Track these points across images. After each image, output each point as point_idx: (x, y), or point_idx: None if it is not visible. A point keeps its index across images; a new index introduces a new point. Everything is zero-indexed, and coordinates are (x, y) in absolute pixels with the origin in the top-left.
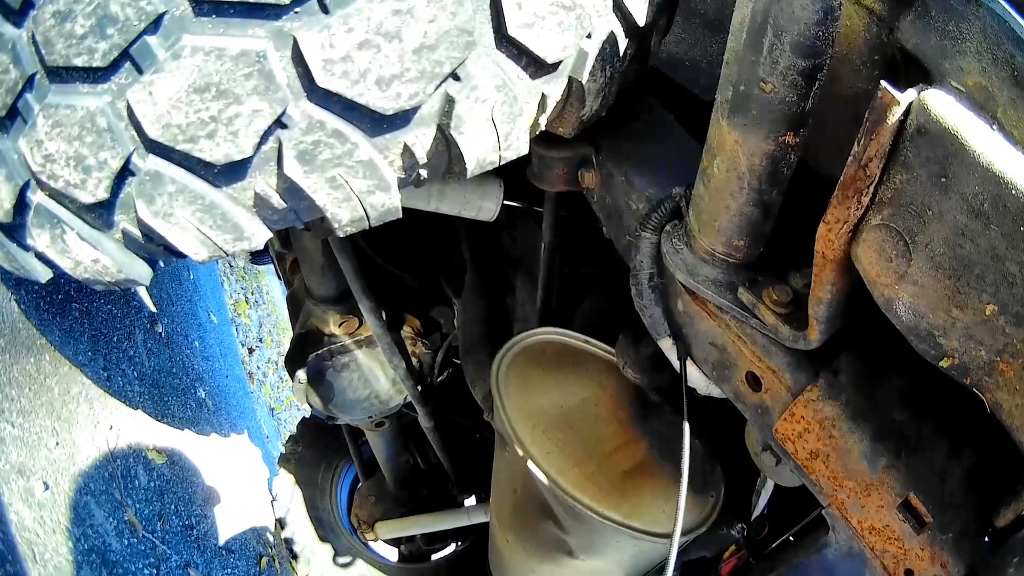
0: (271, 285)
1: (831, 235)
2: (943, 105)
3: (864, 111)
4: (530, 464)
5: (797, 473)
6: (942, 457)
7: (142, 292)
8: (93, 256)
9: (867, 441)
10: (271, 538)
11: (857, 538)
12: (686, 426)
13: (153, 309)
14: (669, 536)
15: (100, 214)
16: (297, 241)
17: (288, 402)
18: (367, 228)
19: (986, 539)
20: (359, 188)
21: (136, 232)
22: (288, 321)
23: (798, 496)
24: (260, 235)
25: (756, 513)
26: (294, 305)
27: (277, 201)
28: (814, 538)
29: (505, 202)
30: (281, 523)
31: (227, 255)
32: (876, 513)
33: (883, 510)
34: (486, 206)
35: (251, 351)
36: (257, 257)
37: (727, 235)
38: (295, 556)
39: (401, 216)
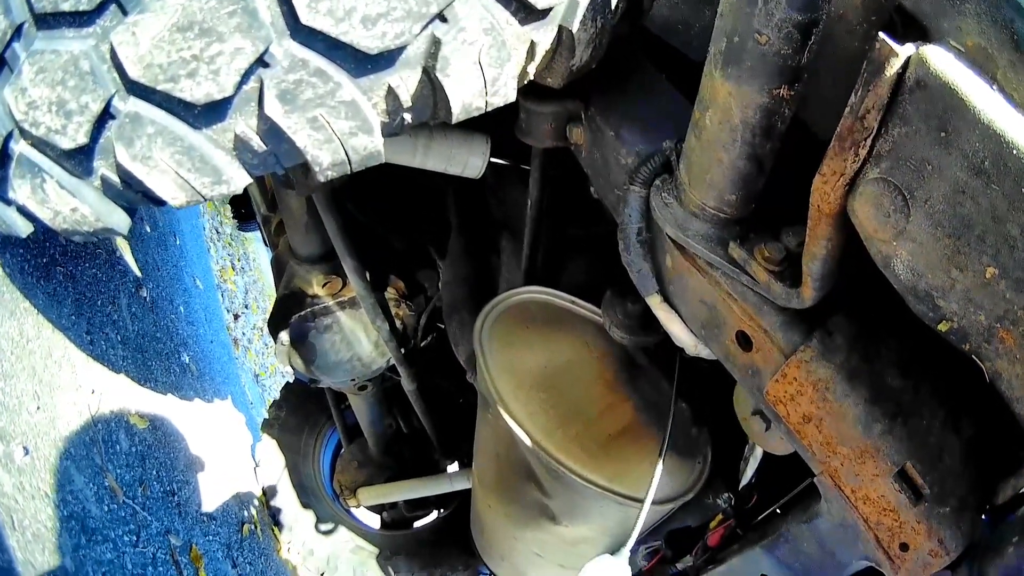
0: (258, 252)
1: (827, 188)
2: (943, 60)
3: (857, 69)
4: (512, 424)
5: (788, 439)
6: (939, 427)
7: (127, 256)
8: (72, 205)
9: (862, 405)
10: (253, 505)
11: (850, 508)
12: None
13: (138, 273)
14: (656, 502)
15: (80, 160)
16: (282, 201)
17: (273, 368)
18: (348, 173)
19: (983, 516)
20: (341, 129)
21: (114, 178)
22: (273, 288)
23: (788, 464)
24: (239, 179)
25: (744, 482)
26: (278, 267)
27: (257, 143)
28: (805, 508)
29: (492, 159)
30: (264, 490)
31: (204, 199)
32: (871, 482)
33: (878, 479)
34: (472, 162)
35: (236, 317)
36: (244, 224)
37: (719, 189)
38: (277, 523)
39: (384, 160)
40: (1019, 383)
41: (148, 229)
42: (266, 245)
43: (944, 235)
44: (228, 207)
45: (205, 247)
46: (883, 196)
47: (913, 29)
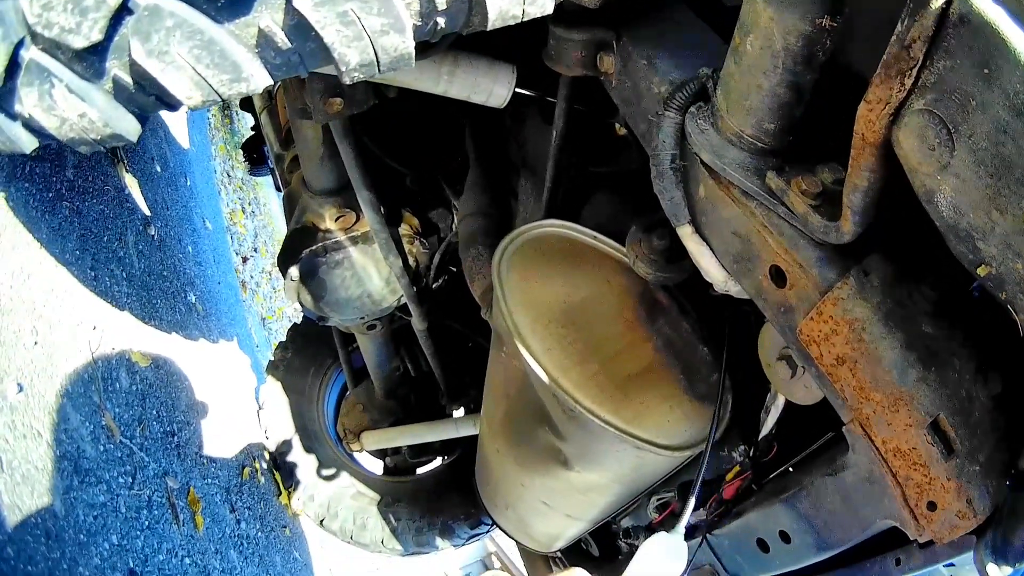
0: (268, 197)
1: (872, 115)
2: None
3: (896, 6)
4: (528, 359)
5: (819, 383)
6: (970, 380)
7: (136, 193)
8: (80, 110)
9: (898, 350)
10: (255, 448)
11: (880, 461)
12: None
13: (147, 212)
14: (673, 448)
15: (92, 61)
16: (297, 132)
17: (280, 312)
18: (376, 74)
19: (1007, 482)
20: (372, 27)
21: (127, 78)
22: (283, 232)
23: (810, 417)
24: (259, 77)
25: (763, 433)
26: (290, 204)
27: (282, 39)
28: (830, 460)
29: (516, 90)
30: (266, 433)
31: (220, 99)
32: (903, 432)
33: (911, 429)
34: (497, 91)
35: (245, 260)
36: (255, 169)
37: (757, 116)
38: (279, 467)
39: (413, 65)
40: None
41: (159, 169)
42: (277, 190)
43: (986, 174)
44: (240, 152)
45: (216, 189)
46: (928, 128)
47: None
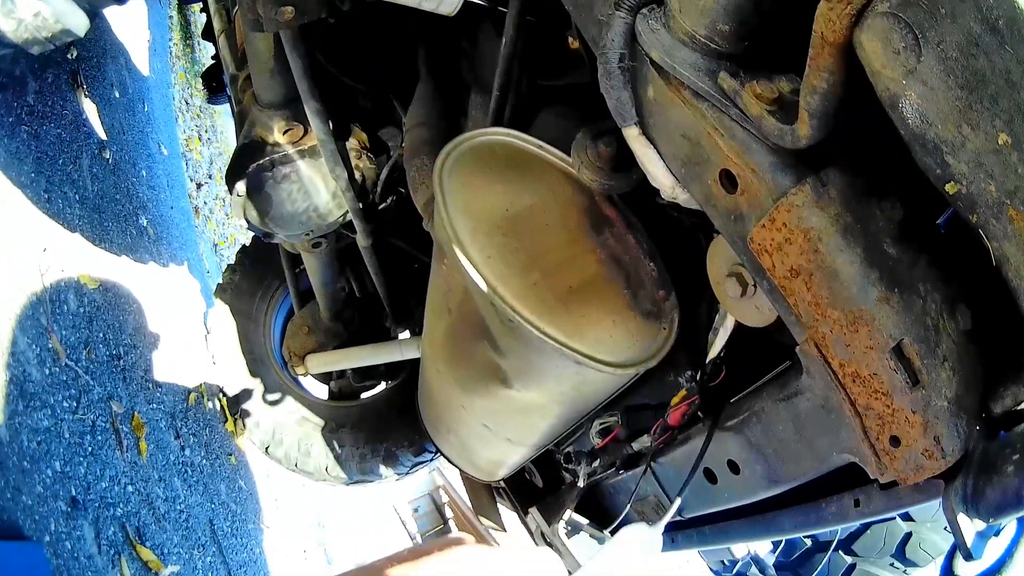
0: (226, 126)
1: (832, 14)
2: None
3: None
4: (466, 264)
5: (771, 297)
6: (936, 309)
7: (93, 118)
8: (35, 9)
9: (858, 265)
10: (201, 373)
11: (836, 387)
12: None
13: (103, 136)
14: (615, 365)
15: None
16: (250, 45)
17: (233, 239)
18: None
19: (978, 427)
20: None
21: None
22: None
23: (760, 342)
24: None
25: (711, 356)
26: (241, 121)
27: None
28: (782, 384)
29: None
30: (214, 358)
31: None
32: (863, 356)
33: (872, 352)
34: None
35: (199, 186)
36: (213, 97)
37: (711, 17)
38: (224, 392)
39: None
40: None
41: (117, 95)
42: (233, 115)
43: (956, 85)
44: (199, 80)
45: (173, 116)
46: (892, 31)
47: None
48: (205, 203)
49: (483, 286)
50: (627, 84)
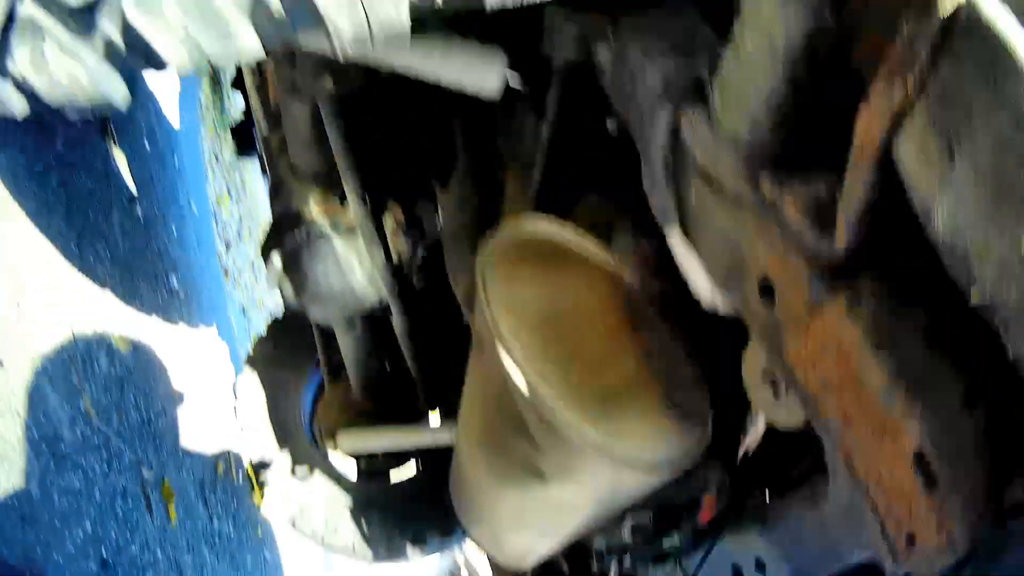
0: (255, 183)
1: (871, 122)
2: (991, 4)
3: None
4: (508, 364)
5: (803, 406)
6: (958, 410)
7: (124, 170)
8: (70, 69)
9: (888, 376)
10: (231, 443)
11: (861, 491)
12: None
13: (134, 190)
14: (650, 465)
15: (84, 17)
16: (286, 111)
17: (261, 302)
18: (369, 44)
19: (988, 518)
20: None
21: (118, 38)
22: (267, 219)
23: (791, 441)
24: (250, 44)
25: (741, 454)
26: (275, 190)
27: (276, 6)
28: (810, 488)
29: (511, 83)
30: (242, 427)
31: (210, 63)
32: (887, 462)
33: (896, 460)
34: (489, 79)
35: (228, 246)
36: (244, 150)
37: (754, 117)
38: (252, 463)
39: (407, 41)
40: None
41: (148, 146)
42: (264, 173)
43: (987, 191)
44: (228, 133)
45: (203, 171)
46: (929, 139)
47: None
48: (234, 263)
49: (524, 388)
50: (670, 184)
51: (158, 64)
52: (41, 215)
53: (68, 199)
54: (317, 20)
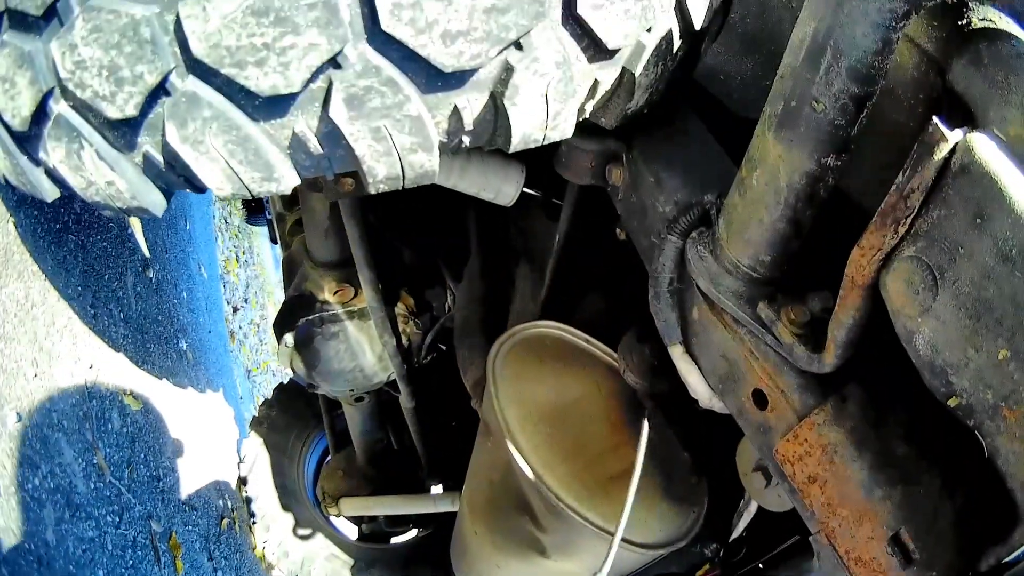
0: (262, 247)
1: (863, 260)
2: (987, 148)
3: (899, 143)
4: (516, 455)
5: (790, 497)
6: (935, 494)
7: (138, 234)
8: (108, 178)
9: (867, 471)
10: (234, 500)
11: (842, 568)
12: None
13: (147, 253)
14: (649, 546)
15: (124, 132)
16: (305, 202)
17: (265, 365)
18: (400, 188)
19: None
20: (402, 144)
21: (159, 157)
22: (274, 285)
23: (779, 521)
24: (289, 179)
25: (735, 534)
26: (289, 268)
27: (314, 145)
28: (796, 564)
29: (524, 189)
30: (245, 486)
31: (250, 194)
32: (865, 544)
33: (873, 541)
34: (505, 190)
35: (235, 310)
36: (252, 217)
37: (755, 248)
38: (255, 521)
39: (435, 181)
40: (1015, 460)
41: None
42: (273, 242)
43: (966, 316)
44: (239, 200)
45: (213, 236)
46: (915, 274)
47: (959, 110)
48: (240, 327)
49: (531, 475)
50: (674, 306)
51: (198, 187)
52: (59, 276)
53: (85, 261)
54: (354, 163)
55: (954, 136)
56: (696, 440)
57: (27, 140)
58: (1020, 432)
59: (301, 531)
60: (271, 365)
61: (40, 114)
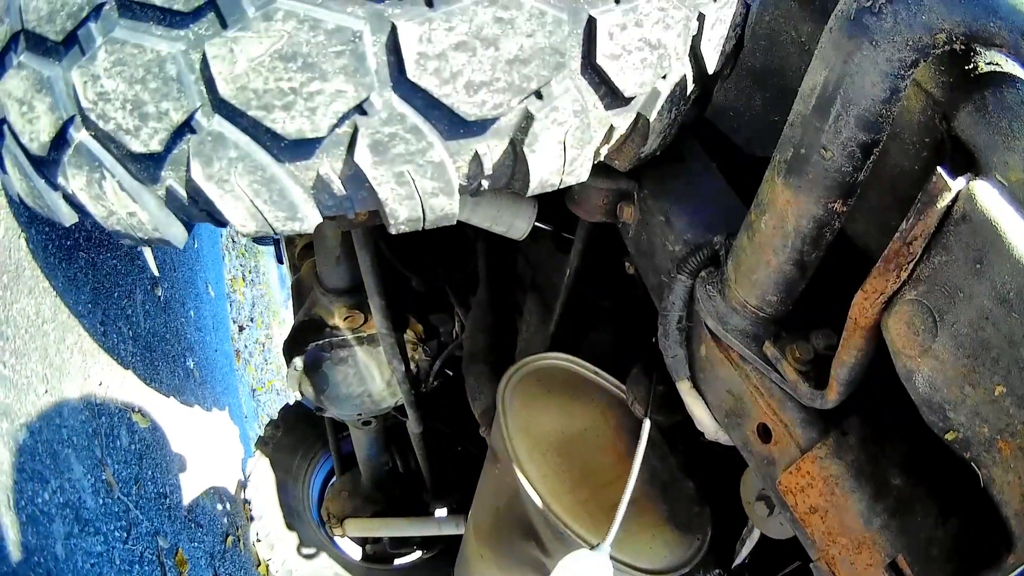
0: (268, 266)
1: (867, 303)
2: (989, 196)
3: (902, 188)
4: (525, 484)
5: (792, 526)
6: (932, 523)
7: (147, 252)
8: (130, 209)
9: (866, 501)
10: (239, 518)
11: None
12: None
13: (156, 272)
14: (653, 572)
15: (147, 166)
16: (317, 229)
17: (270, 385)
18: (419, 229)
19: None
20: (424, 188)
21: (182, 192)
22: (279, 304)
23: (781, 549)
24: (312, 219)
25: (737, 561)
26: (299, 292)
27: (338, 187)
28: None
29: (536, 224)
30: (250, 505)
31: (274, 233)
32: (864, 571)
33: (871, 568)
34: (517, 224)
35: (241, 329)
36: (259, 237)
37: (762, 289)
38: (260, 539)
39: (454, 223)
40: (1009, 489)
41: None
42: (279, 261)
43: (964, 355)
44: None
45: (220, 254)
46: (916, 316)
47: (961, 155)
48: (246, 346)
49: (538, 502)
50: (683, 343)
51: (220, 223)
52: (69, 292)
53: (95, 278)
54: (376, 204)
55: (957, 185)
56: (701, 469)
57: (45, 164)
58: (1015, 463)
59: (305, 550)
60: (276, 384)
61: (60, 140)
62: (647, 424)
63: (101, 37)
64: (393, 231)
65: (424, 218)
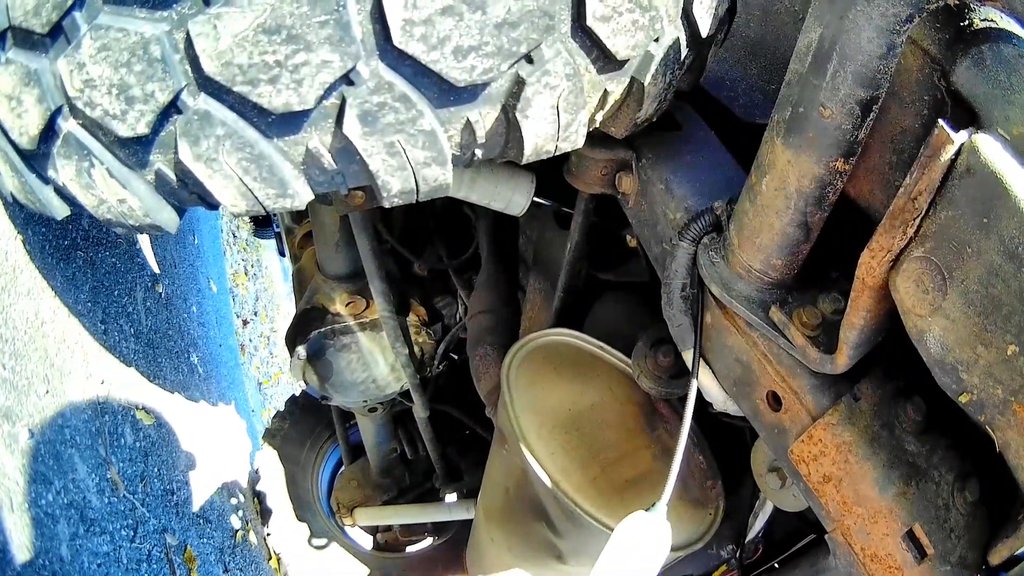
0: (270, 259)
1: (873, 262)
2: (992, 149)
3: (905, 146)
4: (533, 463)
5: (806, 496)
6: (948, 489)
7: (146, 249)
8: (120, 195)
9: (881, 468)
10: (248, 512)
11: (858, 565)
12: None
13: (156, 269)
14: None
15: (135, 151)
16: (315, 215)
17: (276, 377)
18: (413, 201)
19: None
20: (416, 158)
21: (171, 175)
22: (283, 297)
23: (796, 521)
24: (303, 195)
25: (751, 535)
26: (300, 281)
27: (328, 161)
28: (812, 563)
29: (535, 199)
30: (260, 498)
31: (264, 211)
32: (880, 541)
33: (888, 538)
34: (516, 200)
35: (245, 323)
36: (260, 230)
37: (766, 253)
38: (269, 532)
39: (449, 194)
40: None
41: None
42: (281, 255)
43: (975, 313)
44: None
45: (221, 249)
46: (924, 273)
47: (962, 111)
48: (250, 340)
49: (547, 482)
50: (687, 312)
51: (211, 204)
52: (68, 292)
53: (94, 277)
54: (368, 178)
55: (959, 138)
56: (711, 442)
57: (35, 158)
58: None
59: (316, 541)
60: (282, 377)
61: (48, 132)
62: (695, 383)
63: (86, 25)
64: (386, 204)
65: (417, 189)
